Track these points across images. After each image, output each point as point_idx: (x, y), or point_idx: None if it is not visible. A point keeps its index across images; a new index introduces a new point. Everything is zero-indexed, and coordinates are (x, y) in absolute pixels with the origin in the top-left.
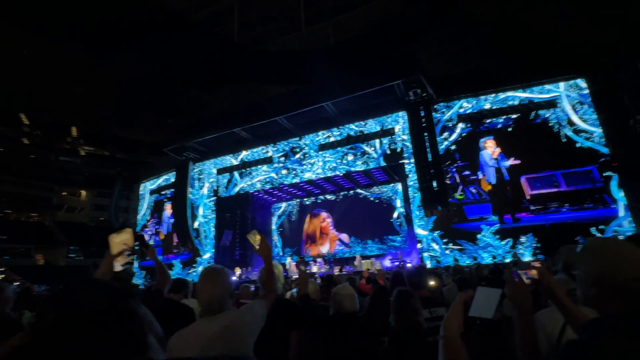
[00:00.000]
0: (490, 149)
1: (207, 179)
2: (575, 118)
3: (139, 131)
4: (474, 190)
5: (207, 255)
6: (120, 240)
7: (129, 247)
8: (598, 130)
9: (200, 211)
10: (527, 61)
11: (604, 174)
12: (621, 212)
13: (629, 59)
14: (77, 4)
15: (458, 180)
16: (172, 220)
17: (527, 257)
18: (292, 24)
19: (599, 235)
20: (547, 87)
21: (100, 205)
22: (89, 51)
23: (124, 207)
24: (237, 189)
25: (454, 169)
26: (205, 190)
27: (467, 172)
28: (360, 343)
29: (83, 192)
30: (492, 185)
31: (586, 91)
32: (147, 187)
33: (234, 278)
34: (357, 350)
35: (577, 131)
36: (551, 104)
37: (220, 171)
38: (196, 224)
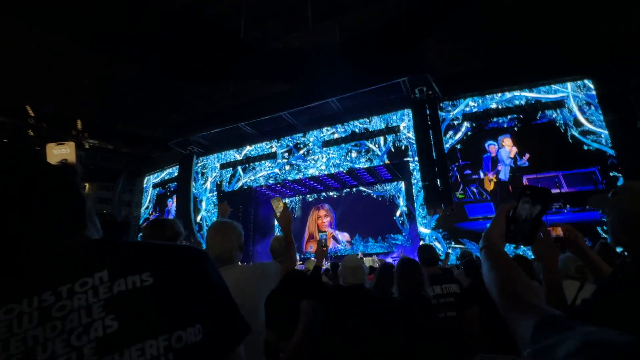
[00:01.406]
0: (508, 147)
1: (210, 174)
2: (582, 119)
3: (144, 126)
4: (475, 190)
5: None
6: (59, 154)
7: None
8: (605, 132)
9: (203, 205)
10: (534, 61)
11: (611, 175)
12: None
13: (637, 60)
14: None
15: (459, 179)
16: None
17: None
18: (299, 21)
19: (604, 235)
20: (554, 87)
21: (104, 199)
22: (96, 45)
23: (127, 200)
24: (240, 183)
25: (455, 168)
26: (208, 185)
27: (468, 172)
28: (367, 312)
29: (87, 185)
30: (504, 182)
31: (594, 92)
32: (150, 180)
33: None
34: (364, 319)
35: (584, 132)
36: (558, 104)
37: (224, 166)
38: (199, 218)
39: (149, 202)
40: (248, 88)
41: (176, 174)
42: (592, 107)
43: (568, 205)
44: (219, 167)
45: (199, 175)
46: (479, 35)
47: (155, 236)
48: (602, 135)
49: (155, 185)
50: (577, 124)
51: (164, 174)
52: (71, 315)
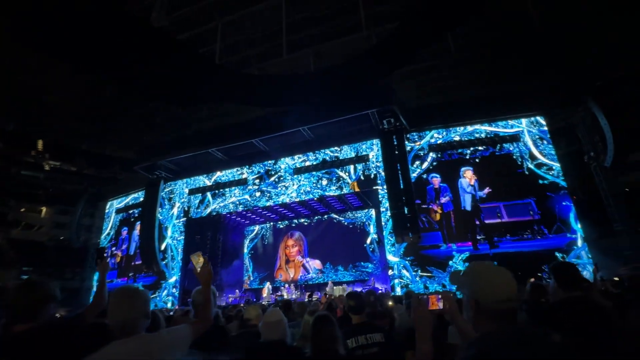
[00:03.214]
0: (468, 178)
1: (178, 199)
2: (536, 152)
3: (111, 146)
4: (424, 219)
5: (173, 279)
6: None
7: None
8: (557, 165)
9: (169, 232)
10: (493, 97)
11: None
12: (579, 242)
13: (582, 99)
14: (57, 17)
15: None
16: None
17: None
18: (274, 49)
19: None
20: (510, 122)
21: (62, 224)
22: (64, 63)
23: (88, 225)
24: (209, 210)
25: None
26: (175, 211)
27: (418, 201)
28: None
29: (44, 209)
30: (467, 212)
31: (546, 128)
32: (114, 205)
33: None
34: None
35: (539, 165)
36: (514, 138)
37: (193, 191)
38: (163, 246)
39: (111, 229)
40: (220, 113)
41: (141, 199)
42: (545, 142)
43: (508, 235)
44: (187, 193)
45: (166, 201)
46: (444, 71)
47: (22, 298)
48: (554, 168)
49: (118, 211)
50: (532, 157)
51: (129, 199)
52: None
